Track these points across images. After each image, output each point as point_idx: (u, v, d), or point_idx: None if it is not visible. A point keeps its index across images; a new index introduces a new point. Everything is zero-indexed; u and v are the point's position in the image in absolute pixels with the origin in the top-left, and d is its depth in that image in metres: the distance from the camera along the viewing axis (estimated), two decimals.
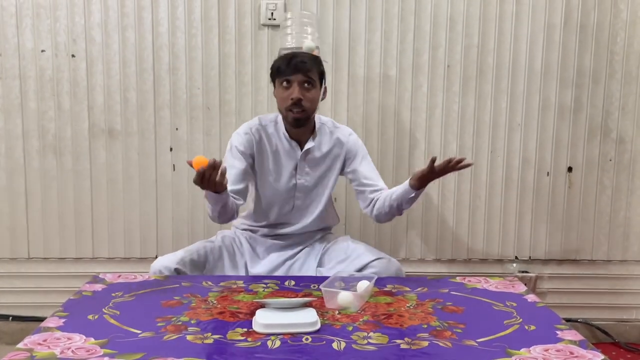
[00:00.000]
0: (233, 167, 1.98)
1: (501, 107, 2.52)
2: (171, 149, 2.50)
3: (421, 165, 2.53)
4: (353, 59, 2.47)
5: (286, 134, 2.04)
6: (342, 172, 2.12)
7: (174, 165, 2.51)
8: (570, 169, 2.57)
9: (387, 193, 2.01)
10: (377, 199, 2.03)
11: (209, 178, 1.68)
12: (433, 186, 2.54)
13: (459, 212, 2.58)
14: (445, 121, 2.52)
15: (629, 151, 2.56)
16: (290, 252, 2.09)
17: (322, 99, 2.05)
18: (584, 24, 2.48)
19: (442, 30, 2.47)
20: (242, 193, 1.99)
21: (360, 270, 1.94)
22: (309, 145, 2.04)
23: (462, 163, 1.81)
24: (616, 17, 2.48)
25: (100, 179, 2.50)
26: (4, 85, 2.43)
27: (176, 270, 1.91)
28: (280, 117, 2.05)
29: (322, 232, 2.18)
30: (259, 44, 2.45)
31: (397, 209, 1.98)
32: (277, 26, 2.42)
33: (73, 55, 2.43)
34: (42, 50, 2.42)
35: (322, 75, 2.01)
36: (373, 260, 1.96)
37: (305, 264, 2.07)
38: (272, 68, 2.00)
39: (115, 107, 2.46)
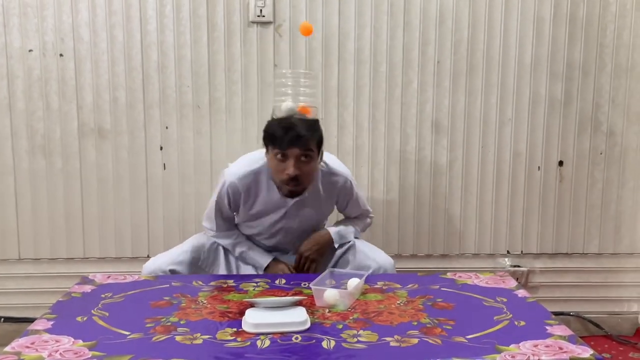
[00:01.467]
0: (225, 215, 2.01)
1: (491, 102, 2.52)
2: (161, 148, 2.49)
3: (412, 159, 2.54)
4: (343, 55, 2.46)
5: (278, 191, 1.94)
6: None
7: (164, 164, 2.49)
8: (561, 163, 2.57)
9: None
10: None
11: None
12: (425, 182, 2.55)
13: (451, 207, 2.58)
14: (436, 117, 2.52)
15: (619, 144, 2.57)
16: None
17: (320, 161, 1.93)
18: (574, 17, 2.48)
19: (432, 26, 2.46)
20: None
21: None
22: (301, 197, 1.93)
23: None
24: (605, 10, 2.48)
25: (90, 178, 2.49)
26: None
27: (171, 271, 1.90)
28: (266, 171, 1.95)
29: None
30: (248, 41, 2.43)
31: None
32: (267, 23, 2.41)
33: (61, 55, 2.41)
34: (30, 50, 2.40)
35: (320, 141, 1.87)
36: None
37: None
38: (265, 132, 1.85)
39: (104, 106, 2.45)
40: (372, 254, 2.01)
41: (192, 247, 2.00)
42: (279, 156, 1.81)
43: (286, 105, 1.87)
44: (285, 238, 2.06)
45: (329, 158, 2.04)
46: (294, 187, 1.85)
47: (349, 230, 2.09)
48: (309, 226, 2.06)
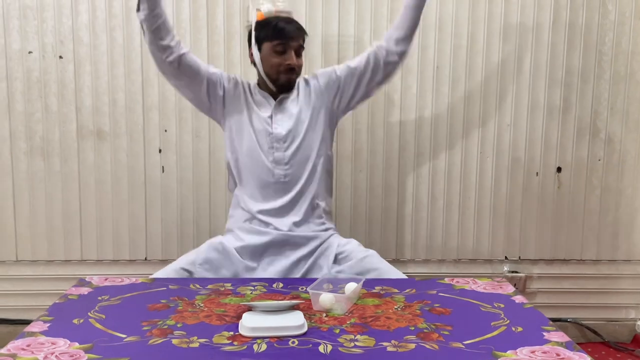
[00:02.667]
0: (208, 68, 2.00)
1: (490, 108, 2.53)
2: (160, 151, 2.49)
3: (411, 166, 2.54)
4: (343, 59, 2.46)
5: (259, 90, 2.04)
6: (344, 102, 2.06)
7: (163, 166, 2.49)
8: (559, 169, 2.57)
9: (395, 24, 2.03)
10: (386, 37, 2.02)
11: None
12: (423, 187, 2.55)
13: (449, 212, 2.58)
14: (434, 122, 2.52)
15: (618, 151, 2.57)
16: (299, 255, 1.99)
17: None
18: (573, 24, 2.49)
19: (431, 31, 2.47)
20: (187, 54, 1.94)
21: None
22: (282, 95, 2.02)
23: None
24: (604, 17, 2.49)
25: (89, 180, 2.49)
26: None
27: (185, 270, 1.90)
28: (252, 82, 2.06)
29: (322, 225, 2.06)
30: (247, 45, 2.43)
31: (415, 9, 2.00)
32: None
33: (60, 57, 2.42)
34: (30, 52, 2.41)
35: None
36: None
37: (318, 264, 1.99)
38: (260, 31, 1.96)
39: (103, 108, 2.45)
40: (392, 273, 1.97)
41: (207, 247, 1.98)
42: (279, 48, 1.94)
43: (267, 7, 1.98)
44: (277, 155, 1.97)
45: None
46: (292, 78, 1.98)
47: None
48: (297, 138, 1.99)
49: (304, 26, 2.02)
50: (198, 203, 2.52)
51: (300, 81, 2.07)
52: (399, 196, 2.56)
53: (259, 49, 1.98)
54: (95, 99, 2.44)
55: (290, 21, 1.97)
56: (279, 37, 1.93)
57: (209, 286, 1.77)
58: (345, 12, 2.45)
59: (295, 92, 2.05)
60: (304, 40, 2.00)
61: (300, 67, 2.00)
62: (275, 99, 2.03)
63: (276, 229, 1.97)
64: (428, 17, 2.46)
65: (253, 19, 1.99)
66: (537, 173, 2.57)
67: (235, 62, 2.44)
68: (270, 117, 2.00)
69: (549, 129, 2.55)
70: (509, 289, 1.78)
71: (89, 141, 2.47)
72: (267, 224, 1.98)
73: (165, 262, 2.45)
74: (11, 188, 2.48)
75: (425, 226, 2.59)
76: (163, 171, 2.50)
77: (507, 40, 2.49)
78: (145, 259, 2.53)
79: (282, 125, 1.99)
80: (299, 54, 1.98)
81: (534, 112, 2.54)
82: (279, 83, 1.99)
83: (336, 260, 1.98)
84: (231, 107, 2.02)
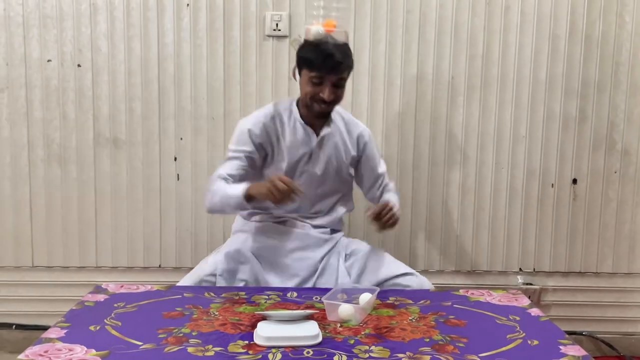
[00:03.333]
0: (241, 155, 1.93)
1: (505, 118, 2.52)
2: (175, 159, 2.50)
3: (425, 176, 2.53)
4: (357, 68, 2.44)
5: (301, 120, 1.98)
6: (354, 166, 2.11)
7: (178, 174, 2.51)
8: (575, 181, 2.56)
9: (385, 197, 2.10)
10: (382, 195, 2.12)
11: (286, 195, 1.72)
12: (437, 197, 2.54)
13: (463, 223, 2.57)
14: (449, 132, 2.52)
15: (634, 163, 2.55)
16: (312, 257, 2.00)
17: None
18: (589, 35, 2.48)
19: (447, 41, 2.47)
20: (239, 176, 1.94)
21: (385, 282, 1.93)
22: (325, 131, 1.99)
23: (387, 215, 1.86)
24: (621, 28, 2.48)
25: (105, 188, 2.51)
26: (10, 94, 2.45)
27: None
28: (294, 104, 2.00)
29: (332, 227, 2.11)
30: (263, 55, 2.45)
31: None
32: (282, 37, 2.43)
33: (79, 65, 2.44)
34: (49, 60, 2.44)
35: (352, 67, 1.94)
36: (405, 275, 1.96)
37: (330, 266, 2.00)
38: (301, 54, 1.90)
39: (120, 116, 2.47)
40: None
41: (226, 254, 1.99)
42: (315, 80, 1.87)
43: (315, 29, 1.87)
44: (308, 190, 1.98)
45: (350, 115, 2.14)
46: (325, 109, 1.92)
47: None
48: (330, 179, 2.04)
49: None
50: None
51: (339, 117, 2.03)
52: (412, 206, 2.56)
53: (299, 72, 1.93)
54: (112, 107, 2.47)
55: (335, 51, 1.84)
56: (316, 68, 1.85)
57: (224, 295, 1.78)
58: (361, 24, 2.45)
59: (337, 132, 2.02)
60: (348, 73, 1.91)
61: (337, 99, 1.91)
62: (316, 131, 1.99)
63: (294, 225, 2.02)
64: (443, 27, 2.46)
65: (303, 35, 1.92)
66: (552, 184, 2.56)
67: (251, 72, 2.46)
68: (310, 155, 2.00)
69: (565, 140, 2.54)
70: (525, 301, 1.77)
71: (106, 149, 2.49)
72: (285, 223, 2.02)
73: (179, 269, 2.47)
74: (28, 194, 2.50)
75: (439, 237, 2.58)
76: (178, 179, 2.51)
77: (522, 51, 2.48)
78: (160, 266, 2.55)
79: (318, 165, 2.01)
80: (338, 86, 1.89)
81: (549, 123, 2.52)
82: (312, 111, 1.94)
83: (346, 258, 2.02)
84: (269, 151, 2.00)
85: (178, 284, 1.92)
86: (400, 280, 1.95)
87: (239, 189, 1.83)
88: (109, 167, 2.50)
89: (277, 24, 2.42)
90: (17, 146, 2.48)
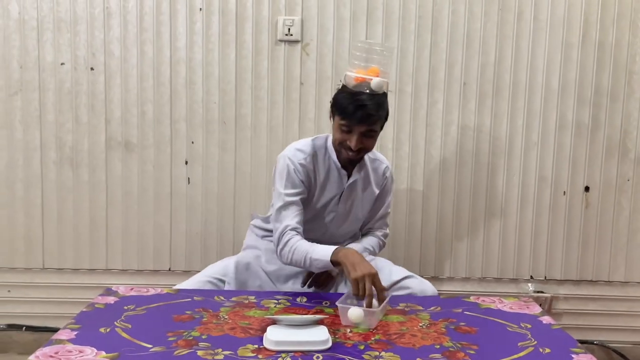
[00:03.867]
0: (297, 198, 1.91)
1: (517, 125, 2.51)
2: (186, 162, 2.51)
3: (436, 182, 2.52)
4: None
5: (336, 162, 1.97)
6: None
7: (188, 178, 2.52)
8: (587, 189, 2.54)
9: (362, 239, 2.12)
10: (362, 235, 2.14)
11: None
12: (448, 204, 2.53)
13: (474, 230, 2.56)
14: (460, 138, 2.51)
15: None
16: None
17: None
18: (602, 42, 2.46)
19: (459, 48, 2.47)
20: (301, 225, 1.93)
21: (391, 287, 1.92)
22: (355, 176, 1.99)
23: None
24: (635, 36, 2.46)
25: (116, 191, 2.52)
26: (24, 97, 2.47)
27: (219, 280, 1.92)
28: (330, 142, 1.98)
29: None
30: (275, 59, 2.46)
31: None
32: (294, 42, 2.44)
33: (92, 69, 2.46)
34: (62, 63, 2.46)
35: (386, 117, 1.92)
36: (405, 278, 1.95)
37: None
38: (336, 101, 1.86)
39: (132, 120, 2.49)
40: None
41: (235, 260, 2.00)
42: (344, 128, 1.85)
43: (350, 77, 1.83)
44: (331, 229, 2.03)
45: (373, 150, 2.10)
46: (353, 157, 1.90)
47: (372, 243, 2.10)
48: (353, 221, 2.06)
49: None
50: (222, 215, 2.53)
51: (366, 158, 2.01)
52: (423, 213, 2.55)
53: (333, 117, 1.90)
54: (125, 110, 2.48)
55: (369, 102, 1.80)
56: (346, 117, 1.83)
57: (233, 298, 1.78)
58: (373, 30, 2.45)
59: (364, 173, 2.02)
60: (381, 125, 1.89)
61: (368, 147, 1.89)
62: (348, 172, 1.98)
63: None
64: (456, 34, 2.46)
65: (343, 79, 1.89)
66: (564, 192, 2.54)
67: (263, 76, 2.47)
68: (340, 197, 2.01)
69: (577, 147, 2.52)
70: (536, 309, 1.75)
71: (117, 152, 2.50)
72: None
73: (188, 273, 2.47)
74: (40, 197, 2.52)
75: (449, 243, 2.57)
76: (189, 183, 2.52)
77: (535, 58, 2.47)
78: (169, 269, 2.55)
79: (345, 206, 2.02)
80: (368, 136, 1.86)
81: (562, 131, 2.51)
82: (342, 157, 1.93)
83: None
84: (308, 190, 1.98)
85: (179, 286, 1.92)
86: (401, 284, 1.94)
87: (327, 252, 1.77)
88: (121, 170, 2.51)
89: (289, 29, 2.43)
90: (30, 149, 2.49)
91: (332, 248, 1.78)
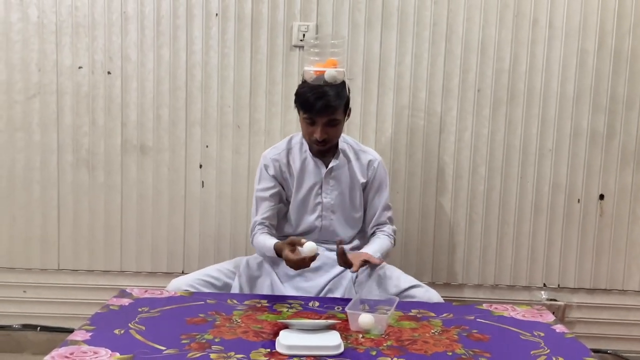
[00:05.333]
0: (266, 194, 2.05)
1: (532, 132, 2.50)
2: (201, 166, 2.53)
3: (449, 188, 2.52)
4: (383, 80, 2.48)
5: (310, 153, 2.07)
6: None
7: (202, 181, 2.53)
8: (601, 197, 2.52)
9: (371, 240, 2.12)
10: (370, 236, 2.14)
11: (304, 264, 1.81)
12: (461, 210, 2.53)
13: (487, 237, 2.55)
14: (474, 145, 2.51)
15: None
16: (320, 280, 2.02)
17: (347, 119, 2.06)
18: (618, 50, 2.45)
19: (473, 54, 2.47)
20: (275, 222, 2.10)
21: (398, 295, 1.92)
22: (332, 163, 2.06)
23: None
24: None
25: (131, 193, 2.54)
26: (42, 100, 2.50)
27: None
28: (304, 142, 2.09)
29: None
30: (289, 65, 2.47)
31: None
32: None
33: (109, 73, 2.49)
34: (80, 67, 2.49)
35: (347, 105, 2.00)
36: (411, 288, 1.95)
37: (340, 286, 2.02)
38: (296, 96, 1.98)
39: (147, 123, 2.51)
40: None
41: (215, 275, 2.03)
42: (307, 121, 1.96)
43: (309, 71, 1.93)
44: (332, 223, 2.08)
45: (362, 145, 2.19)
46: (322, 147, 2.00)
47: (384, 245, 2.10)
48: (346, 209, 2.09)
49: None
50: (235, 219, 2.54)
51: (350, 150, 2.10)
52: (436, 219, 2.55)
53: (299, 112, 2.01)
54: (140, 114, 2.51)
55: (325, 93, 1.91)
56: (306, 110, 1.94)
57: (246, 302, 1.79)
58: (388, 36, 2.46)
59: (346, 163, 2.09)
60: (344, 112, 1.98)
61: (333, 135, 1.99)
62: (325, 163, 2.07)
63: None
64: (470, 40, 2.46)
65: (302, 75, 1.99)
66: (578, 200, 2.53)
67: (277, 81, 2.48)
68: (320, 186, 2.07)
69: (592, 155, 2.51)
70: (549, 317, 1.74)
71: (133, 155, 2.52)
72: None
73: None
74: (56, 198, 2.54)
75: (462, 250, 2.56)
76: (203, 186, 2.54)
77: (550, 65, 2.46)
78: (182, 272, 2.57)
79: (330, 195, 2.08)
80: (331, 125, 1.95)
81: (576, 138, 2.50)
82: (312, 150, 2.05)
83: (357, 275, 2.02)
84: (284, 185, 2.11)
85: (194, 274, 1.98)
86: (406, 293, 1.94)
87: (271, 244, 1.94)
88: (136, 173, 2.53)
89: (304, 35, 2.44)
90: (47, 151, 2.52)
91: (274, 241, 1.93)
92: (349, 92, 2.00)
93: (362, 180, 2.11)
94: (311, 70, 1.94)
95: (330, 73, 1.91)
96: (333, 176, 2.08)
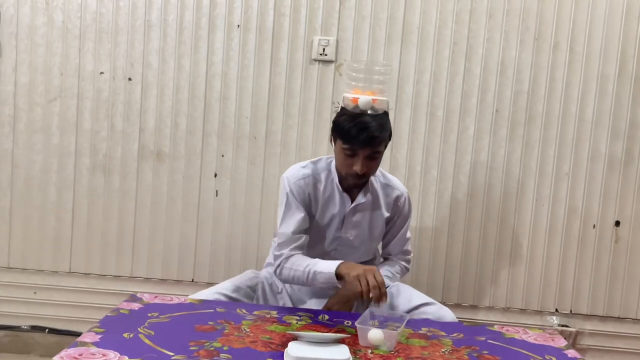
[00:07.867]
0: (296, 219, 1.90)
1: (549, 155, 2.49)
2: (215, 175, 2.54)
3: (463, 208, 2.51)
4: (400, 97, 2.49)
5: (339, 186, 1.94)
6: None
7: (217, 191, 2.54)
8: (617, 223, 2.50)
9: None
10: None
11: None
12: (474, 230, 2.51)
13: (500, 259, 2.53)
14: (490, 165, 2.50)
15: None
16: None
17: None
18: (639, 76, 2.44)
19: (493, 75, 2.47)
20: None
21: (409, 312, 1.89)
22: (359, 200, 1.95)
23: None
24: None
25: (145, 199, 2.55)
26: (62, 103, 2.53)
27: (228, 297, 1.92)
28: (333, 165, 1.95)
29: None
30: (308, 78, 2.49)
31: None
32: (328, 62, 2.46)
33: (129, 79, 2.52)
34: (101, 73, 2.52)
35: (389, 138, 1.88)
36: (424, 305, 1.92)
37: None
38: (336, 125, 1.82)
39: (165, 130, 2.53)
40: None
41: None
42: (347, 152, 1.81)
43: (347, 98, 1.79)
44: (345, 256, 1.97)
45: (388, 174, 2.06)
46: (358, 181, 1.87)
47: (395, 270, 2.07)
48: (361, 246, 2.01)
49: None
50: (247, 229, 2.54)
51: (376, 182, 1.98)
52: (449, 238, 2.53)
53: (335, 141, 1.87)
54: (159, 121, 2.53)
55: (371, 124, 1.76)
56: (347, 141, 1.79)
57: (255, 312, 1.78)
58: (407, 53, 2.47)
59: (370, 197, 1.96)
60: (385, 145, 1.86)
61: (373, 169, 1.86)
62: (352, 196, 1.95)
63: None
64: (490, 61, 2.46)
65: (341, 102, 1.84)
66: (594, 225, 2.50)
67: (295, 94, 2.49)
68: (342, 221, 1.97)
69: (609, 180, 2.49)
70: (562, 342, 1.72)
71: (149, 161, 2.54)
72: None
73: (211, 285, 2.47)
74: (71, 201, 2.56)
75: (474, 271, 2.54)
76: (217, 195, 2.54)
77: (569, 89, 2.46)
78: (192, 280, 2.57)
79: (350, 232, 1.98)
80: (372, 159, 1.83)
81: (594, 163, 2.48)
82: (347, 182, 1.91)
83: None
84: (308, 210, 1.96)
85: (193, 296, 1.93)
86: (419, 310, 1.92)
87: (331, 266, 1.79)
88: (151, 179, 2.55)
89: (324, 49, 2.45)
90: (65, 154, 2.55)
91: (337, 262, 1.80)
92: (391, 126, 1.89)
93: (387, 214, 2.00)
94: (353, 96, 1.78)
95: (378, 101, 1.77)
96: (357, 213, 1.97)
